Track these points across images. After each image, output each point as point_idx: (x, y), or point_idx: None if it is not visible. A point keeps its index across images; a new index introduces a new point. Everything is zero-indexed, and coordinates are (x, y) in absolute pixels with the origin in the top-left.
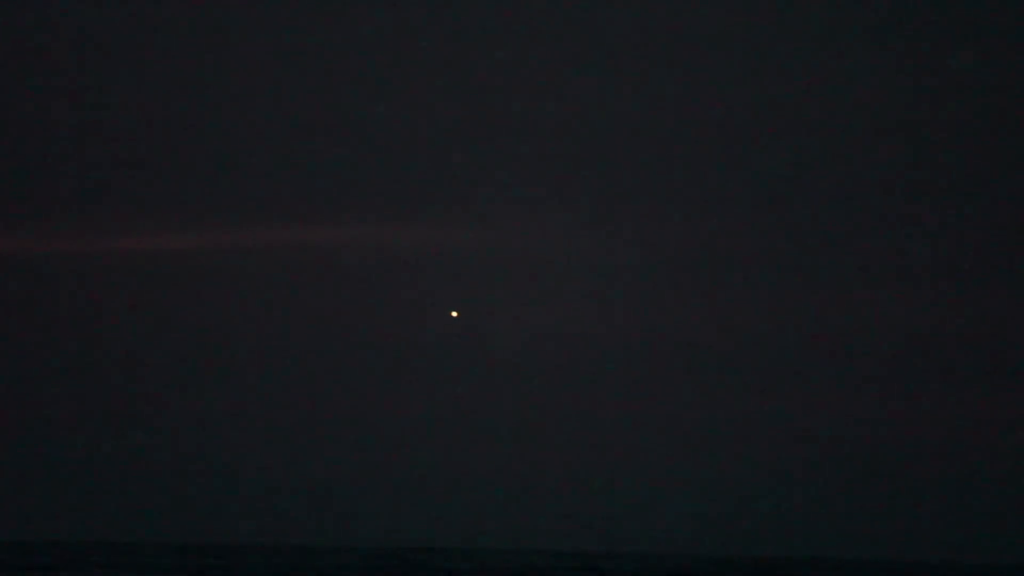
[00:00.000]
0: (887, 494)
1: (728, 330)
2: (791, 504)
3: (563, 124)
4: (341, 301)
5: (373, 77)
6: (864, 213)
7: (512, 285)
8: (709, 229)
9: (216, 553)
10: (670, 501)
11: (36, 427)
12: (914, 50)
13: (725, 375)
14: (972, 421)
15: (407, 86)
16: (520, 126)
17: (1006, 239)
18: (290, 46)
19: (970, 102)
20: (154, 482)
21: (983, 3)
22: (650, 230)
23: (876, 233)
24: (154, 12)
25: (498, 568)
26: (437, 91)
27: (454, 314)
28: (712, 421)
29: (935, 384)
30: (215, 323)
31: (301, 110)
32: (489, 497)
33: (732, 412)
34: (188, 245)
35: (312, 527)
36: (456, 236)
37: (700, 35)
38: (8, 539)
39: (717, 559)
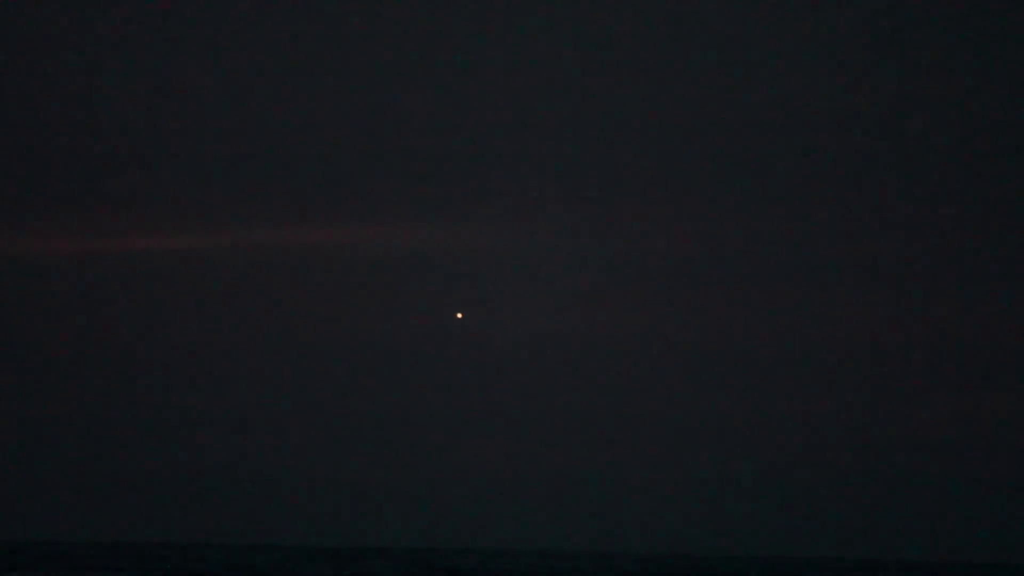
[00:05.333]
0: (887, 494)
1: (729, 330)
2: (791, 505)
3: (566, 125)
4: (342, 301)
5: (374, 77)
6: (864, 214)
7: (515, 286)
8: (711, 230)
9: (216, 553)
10: (670, 501)
11: (36, 428)
12: (914, 52)
13: (725, 375)
14: (972, 421)
15: (409, 86)
16: (524, 127)
17: (1006, 239)
18: (291, 46)
19: (970, 103)
20: (153, 482)
21: (984, 4)
22: (652, 230)
23: (875, 234)
24: (155, 11)
25: (498, 568)
26: (440, 90)
27: (459, 315)
28: (712, 421)
29: (935, 384)
30: (215, 323)
31: (301, 110)
32: (489, 497)
33: (731, 412)
34: (188, 245)
35: (313, 528)
36: (459, 237)
37: (701, 35)
38: (8, 539)
39: (717, 559)
